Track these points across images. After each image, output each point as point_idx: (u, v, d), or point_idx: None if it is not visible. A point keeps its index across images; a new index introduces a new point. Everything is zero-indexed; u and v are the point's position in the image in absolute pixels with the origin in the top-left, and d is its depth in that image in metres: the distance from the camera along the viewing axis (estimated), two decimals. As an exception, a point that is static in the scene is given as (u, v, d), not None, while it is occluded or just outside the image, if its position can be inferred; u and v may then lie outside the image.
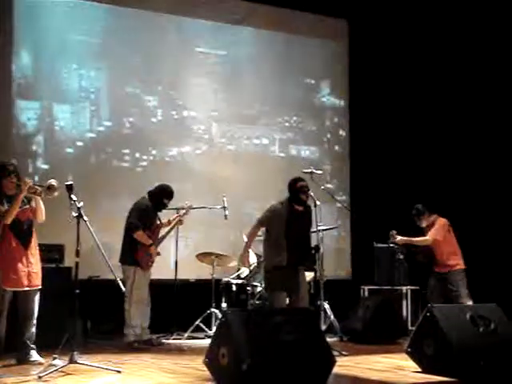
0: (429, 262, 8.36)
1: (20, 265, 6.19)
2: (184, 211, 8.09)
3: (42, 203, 6.26)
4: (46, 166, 8.79)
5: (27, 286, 6.22)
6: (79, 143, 9.01)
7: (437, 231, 8.24)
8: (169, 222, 8.01)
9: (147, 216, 7.63)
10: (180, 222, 8.10)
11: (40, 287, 6.31)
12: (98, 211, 8.31)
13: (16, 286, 6.18)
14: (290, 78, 10.60)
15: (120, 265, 7.53)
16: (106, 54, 9.33)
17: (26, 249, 6.27)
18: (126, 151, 9.28)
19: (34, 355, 6.26)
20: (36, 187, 6.21)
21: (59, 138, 8.89)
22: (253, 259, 8.50)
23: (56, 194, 6.13)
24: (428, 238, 8.25)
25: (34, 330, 6.29)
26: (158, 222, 7.83)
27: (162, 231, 7.95)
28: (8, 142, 8.65)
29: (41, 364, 6.07)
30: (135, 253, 7.51)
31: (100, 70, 9.29)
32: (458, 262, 8.25)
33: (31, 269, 6.26)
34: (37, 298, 6.32)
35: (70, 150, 8.94)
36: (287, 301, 6.99)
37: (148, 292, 7.63)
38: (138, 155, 9.34)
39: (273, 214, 7.13)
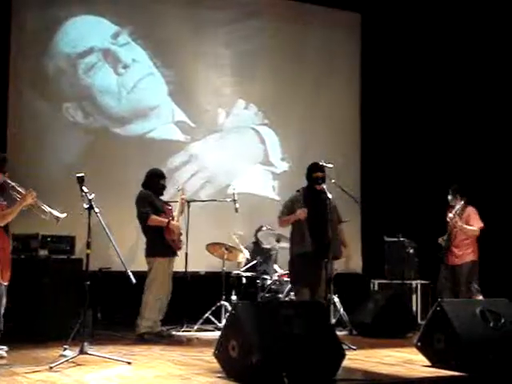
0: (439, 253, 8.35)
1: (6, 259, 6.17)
2: (181, 195, 7.92)
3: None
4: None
5: (6, 280, 6.17)
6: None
7: (479, 220, 8.21)
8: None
9: (153, 202, 7.53)
10: (182, 206, 7.92)
11: None
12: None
13: (6, 280, 6.15)
14: (302, 71, 10.59)
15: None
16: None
17: None
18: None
19: None
20: (42, 207, 6.15)
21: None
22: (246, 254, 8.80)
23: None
24: (476, 228, 8.19)
25: None
26: (167, 206, 7.75)
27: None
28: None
29: (2, 358, 6.00)
30: (164, 241, 7.47)
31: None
32: (471, 254, 8.23)
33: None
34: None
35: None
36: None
37: (170, 285, 7.61)
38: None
39: (290, 202, 7.25)
